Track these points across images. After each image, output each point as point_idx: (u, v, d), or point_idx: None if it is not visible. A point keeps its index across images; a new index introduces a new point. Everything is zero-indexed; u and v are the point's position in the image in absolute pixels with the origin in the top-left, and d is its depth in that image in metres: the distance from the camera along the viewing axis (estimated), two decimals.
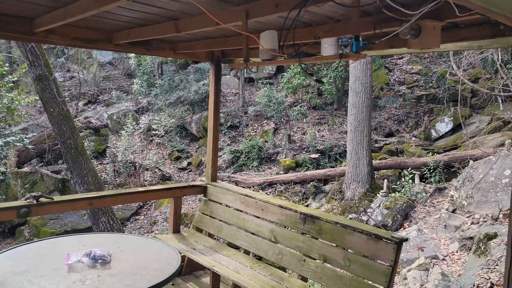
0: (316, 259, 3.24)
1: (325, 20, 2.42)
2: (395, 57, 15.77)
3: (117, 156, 12.65)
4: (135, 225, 11.12)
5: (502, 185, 7.70)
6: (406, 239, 2.94)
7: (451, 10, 1.90)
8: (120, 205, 10.75)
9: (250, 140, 12.90)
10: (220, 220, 4.21)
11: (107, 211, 8.00)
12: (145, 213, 11.59)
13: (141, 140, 13.76)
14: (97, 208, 7.70)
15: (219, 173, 12.13)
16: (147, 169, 12.70)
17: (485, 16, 2.44)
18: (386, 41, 2.07)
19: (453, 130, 12.94)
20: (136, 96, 16.26)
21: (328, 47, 1.96)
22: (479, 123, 13.07)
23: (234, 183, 11.28)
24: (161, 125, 13.95)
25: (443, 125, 13.14)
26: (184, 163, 13.38)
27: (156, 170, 12.75)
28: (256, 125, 14.40)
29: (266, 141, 13.09)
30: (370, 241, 2.88)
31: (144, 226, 10.94)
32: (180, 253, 3.04)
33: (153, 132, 13.98)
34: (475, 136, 11.98)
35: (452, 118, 12.94)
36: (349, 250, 3.08)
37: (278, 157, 12.47)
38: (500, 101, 11.70)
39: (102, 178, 11.28)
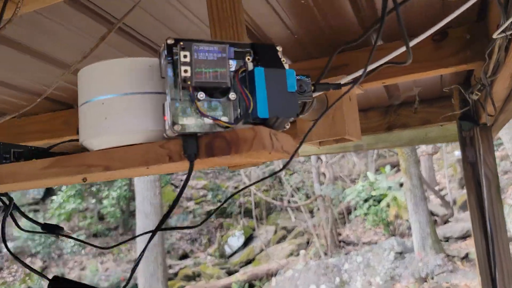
0: None
1: None
2: (180, 173, 15.38)
3: None
4: None
5: None
6: None
7: None
8: None
9: None
10: None
11: None
12: None
13: None
14: None
15: None
16: None
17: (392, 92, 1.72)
18: None
19: (245, 244, 12.80)
20: None
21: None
22: (267, 233, 13.36)
23: None
24: None
25: (235, 240, 12.89)
26: None
27: None
28: (16, 267, 11.08)
29: (30, 287, 9.97)
30: None
31: None
32: None
33: None
34: (266, 247, 12.02)
35: (242, 231, 12.86)
36: None
37: None
38: (290, 212, 12.26)
39: None
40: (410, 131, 1.99)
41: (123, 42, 1.20)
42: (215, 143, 0.44)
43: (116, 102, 0.47)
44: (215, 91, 0.45)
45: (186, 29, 1.15)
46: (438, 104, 1.85)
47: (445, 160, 10.66)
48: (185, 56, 0.43)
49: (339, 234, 10.21)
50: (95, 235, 11.91)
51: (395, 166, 10.41)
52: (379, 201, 8.14)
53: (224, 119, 0.45)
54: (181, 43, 0.43)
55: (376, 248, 7.63)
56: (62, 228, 0.78)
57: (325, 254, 9.09)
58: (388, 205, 7.96)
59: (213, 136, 0.44)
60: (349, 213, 10.33)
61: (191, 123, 0.43)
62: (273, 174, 0.52)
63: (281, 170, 0.50)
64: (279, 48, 0.48)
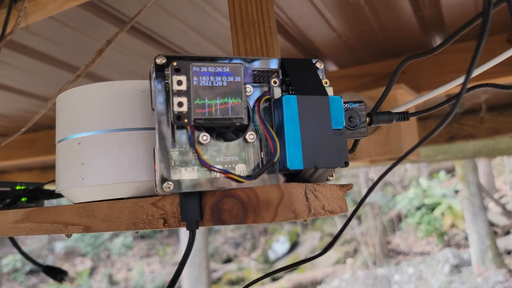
0: None
1: None
2: None
3: None
4: None
5: None
6: None
7: None
8: None
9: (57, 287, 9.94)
10: None
11: None
12: None
13: None
14: None
15: None
16: None
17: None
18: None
19: (290, 249, 12.60)
20: None
21: None
22: (312, 240, 13.10)
23: None
24: None
25: (280, 245, 12.73)
26: None
27: None
28: (67, 265, 11.51)
29: (80, 286, 10.33)
30: None
31: None
32: None
33: None
34: (312, 254, 11.78)
35: (288, 237, 12.68)
36: None
37: None
38: (336, 218, 11.96)
39: None
40: (475, 142, 1.75)
41: (149, 49, 1.10)
42: (224, 206, 0.29)
43: (94, 142, 0.34)
44: (226, 131, 0.31)
45: (216, 33, 1.03)
46: (509, 112, 1.61)
47: (506, 165, 9.90)
48: (179, 83, 0.28)
49: (388, 243, 9.77)
50: (141, 237, 12.20)
51: (450, 171, 9.79)
52: (432, 209, 7.65)
53: (239, 169, 0.30)
54: (175, 63, 0.28)
55: (429, 259, 7.19)
56: (65, 272, 0.68)
57: (374, 263, 8.72)
58: (442, 214, 7.47)
59: (223, 195, 0.29)
60: (400, 221, 9.84)
61: (190, 177, 0.29)
62: (310, 259, 0.37)
63: (320, 254, 0.35)
64: (319, 65, 0.32)
